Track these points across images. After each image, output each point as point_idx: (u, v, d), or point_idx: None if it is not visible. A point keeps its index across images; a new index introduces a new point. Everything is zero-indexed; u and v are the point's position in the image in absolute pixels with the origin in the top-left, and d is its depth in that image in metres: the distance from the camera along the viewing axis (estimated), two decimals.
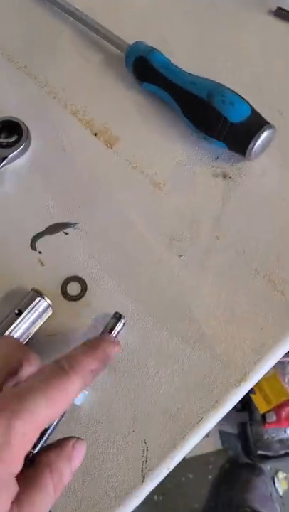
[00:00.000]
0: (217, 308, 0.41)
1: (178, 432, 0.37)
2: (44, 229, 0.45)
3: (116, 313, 0.39)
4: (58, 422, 0.34)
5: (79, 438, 0.32)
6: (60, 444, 0.31)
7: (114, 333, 0.38)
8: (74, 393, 0.29)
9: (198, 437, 0.38)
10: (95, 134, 0.48)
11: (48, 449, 0.31)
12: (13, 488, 0.27)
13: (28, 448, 0.27)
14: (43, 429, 0.27)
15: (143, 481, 0.36)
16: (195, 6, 0.53)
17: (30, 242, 0.44)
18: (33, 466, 0.29)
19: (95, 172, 0.47)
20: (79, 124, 0.49)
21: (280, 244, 0.42)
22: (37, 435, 0.27)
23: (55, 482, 0.29)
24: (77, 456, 0.31)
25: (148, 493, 0.37)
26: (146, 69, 0.47)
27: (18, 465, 0.27)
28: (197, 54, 0.51)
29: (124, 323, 0.38)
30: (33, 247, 0.44)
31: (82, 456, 0.31)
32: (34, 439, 0.27)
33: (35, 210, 0.45)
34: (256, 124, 0.42)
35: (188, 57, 0.49)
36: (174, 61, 0.47)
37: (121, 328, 0.38)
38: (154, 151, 0.47)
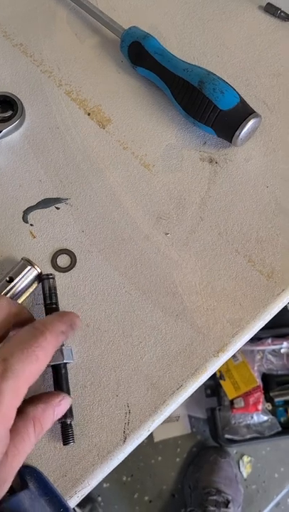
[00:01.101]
0: (199, 284, 0.43)
1: (159, 397, 0.40)
2: (36, 203, 0.46)
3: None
4: None
5: (66, 395, 0.35)
6: (49, 397, 0.34)
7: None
8: (50, 349, 0.33)
9: (178, 403, 0.40)
10: (88, 114, 0.50)
11: (37, 400, 0.33)
12: (6, 440, 0.29)
13: (19, 403, 0.30)
14: (31, 383, 0.30)
15: (124, 441, 0.39)
16: None
17: (22, 215, 0.46)
18: (21, 417, 0.32)
19: (87, 151, 0.48)
20: (73, 104, 0.50)
21: (261, 227, 0.45)
22: (25, 391, 0.30)
23: (37, 432, 0.32)
24: (61, 411, 0.35)
25: (128, 453, 0.39)
26: (140, 54, 0.48)
27: (10, 420, 0.29)
28: (189, 43, 0.53)
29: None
30: (24, 219, 0.46)
31: (64, 411, 0.36)
32: (23, 394, 0.30)
33: (27, 184, 0.47)
34: (243, 112, 0.44)
35: (180, 45, 0.51)
36: (167, 48, 0.49)
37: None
38: (145, 134, 0.49)
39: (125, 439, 0.39)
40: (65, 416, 0.38)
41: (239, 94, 0.45)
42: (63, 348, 0.39)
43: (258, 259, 0.44)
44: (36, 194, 0.47)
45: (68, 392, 0.39)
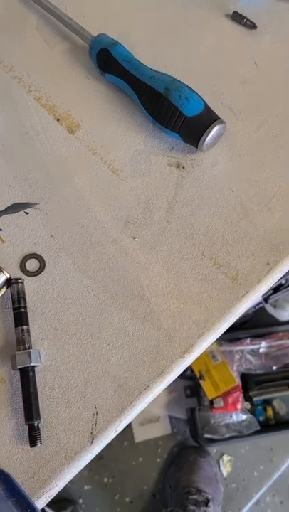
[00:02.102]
0: (166, 286, 0.44)
1: (126, 398, 0.41)
2: (5, 208, 0.47)
3: None
4: None
5: None
6: None
7: None
8: None
9: (145, 404, 0.41)
10: (58, 120, 0.50)
11: None
12: None
13: None
14: None
15: (92, 442, 0.40)
16: (158, 5, 0.56)
17: None
18: None
19: (57, 156, 0.49)
20: (42, 110, 0.51)
21: (226, 231, 0.46)
22: None
23: None
24: None
25: (96, 454, 0.40)
26: (108, 61, 0.49)
27: None
28: (157, 50, 0.54)
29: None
30: None
31: None
32: None
33: None
34: (208, 118, 0.46)
35: (149, 52, 0.52)
36: (135, 55, 0.50)
37: None
38: (114, 139, 0.50)
39: (92, 439, 0.40)
40: (31, 418, 0.38)
41: (204, 101, 0.46)
42: (31, 351, 0.40)
43: (223, 262, 0.45)
44: (5, 199, 0.47)
45: (36, 395, 0.39)
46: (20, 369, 0.40)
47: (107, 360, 0.42)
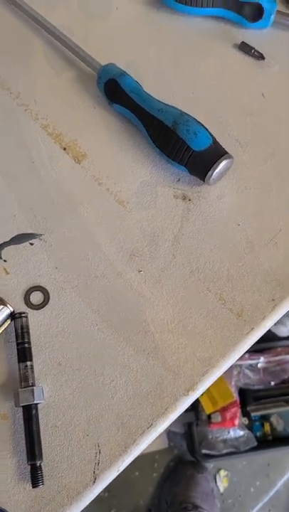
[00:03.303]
0: (171, 322, 0.44)
1: (129, 436, 0.40)
2: (10, 238, 0.46)
3: None
4: None
5: None
6: None
7: None
8: None
9: (148, 442, 0.41)
10: (64, 149, 0.50)
11: None
12: None
13: None
14: None
15: (94, 482, 0.39)
16: (166, 34, 0.56)
17: None
18: None
19: (62, 186, 0.49)
20: (49, 138, 0.51)
21: (232, 265, 0.46)
22: None
23: None
24: None
25: (97, 494, 0.40)
26: (116, 91, 0.49)
27: None
28: (164, 80, 0.54)
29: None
30: None
31: None
32: None
33: (1, 218, 0.47)
34: (216, 153, 0.45)
35: (156, 81, 0.52)
36: (142, 83, 0.50)
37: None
38: (120, 170, 0.50)
39: (95, 479, 0.39)
40: (34, 458, 0.38)
41: (212, 135, 0.46)
42: (34, 388, 0.40)
43: (228, 298, 0.45)
44: (10, 229, 0.47)
45: (39, 433, 0.39)
46: (23, 406, 0.39)
47: (111, 397, 0.42)
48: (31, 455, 0.38)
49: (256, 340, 0.44)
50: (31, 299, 0.44)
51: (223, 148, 0.46)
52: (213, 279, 0.46)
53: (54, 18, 0.54)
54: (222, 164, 0.45)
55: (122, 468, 0.40)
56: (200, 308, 0.45)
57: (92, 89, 0.53)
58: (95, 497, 0.40)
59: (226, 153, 0.46)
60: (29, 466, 0.38)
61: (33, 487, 0.38)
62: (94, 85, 0.52)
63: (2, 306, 0.41)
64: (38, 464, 0.38)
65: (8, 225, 0.47)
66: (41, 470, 0.38)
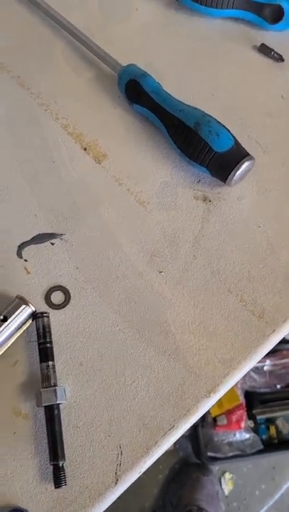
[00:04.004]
0: (192, 323, 0.44)
1: (151, 437, 0.40)
2: (31, 238, 0.46)
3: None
4: None
5: None
6: None
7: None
8: None
9: (169, 444, 0.41)
10: (85, 149, 0.50)
11: None
12: None
13: None
14: None
15: (116, 483, 0.39)
16: (185, 37, 0.56)
17: (16, 250, 0.46)
18: None
19: (83, 186, 0.49)
20: (69, 138, 0.50)
21: (252, 267, 0.46)
22: None
23: None
24: None
25: (119, 495, 0.40)
26: (137, 92, 0.49)
27: None
28: (184, 81, 0.54)
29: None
30: (19, 255, 0.46)
31: None
32: None
33: (22, 218, 0.47)
34: (238, 154, 0.45)
35: (176, 82, 0.52)
36: (163, 85, 0.50)
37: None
38: (141, 170, 0.49)
39: (117, 480, 0.39)
40: (57, 458, 0.38)
41: (234, 136, 0.46)
42: (57, 388, 0.40)
43: (249, 299, 0.45)
44: (31, 229, 0.47)
45: (61, 434, 0.39)
46: (45, 407, 0.39)
47: (132, 398, 0.41)
48: (54, 455, 0.38)
49: (277, 342, 0.44)
50: (52, 299, 0.44)
51: (245, 150, 0.46)
52: (234, 281, 0.46)
53: (74, 18, 0.54)
54: (244, 166, 0.45)
55: (143, 470, 0.40)
56: (221, 309, 0.45)
57: (112, 90, 0.53)
58: (116, 498, 0.39)
59: (248, 154, 0.46)
60: (51, 467, 0.38)
61: (56, 487, 0.37)
62: (114, 86, 0.52)
63: (24, 306, 0.41)
64: (60, 465, 0.38)
65: (29, 225, 0.47)
66: (64, 470, 0.38)
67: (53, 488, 0.38)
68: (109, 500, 0.39)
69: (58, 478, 0.37)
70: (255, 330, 0.44)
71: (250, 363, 0.43)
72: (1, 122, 0.51)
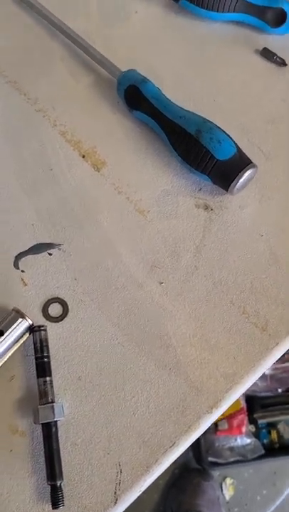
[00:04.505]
0: (193, 336, 0.43)
1: (151, 455, 0.39)
2: (28, 248, 0.45)
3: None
4: None
5: None
6: None
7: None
8: None
9: (170, 461, 0.40)
10: (83, 156, 0.49)
11: None
12: None
13: None
14: None
15: (116, 503, 0.38)
16: (186, 40, 0.55)
17: (13, 260, 0.45)
18: None
19: (81, 194, 0.48)
20: (67, 145, 0.49)
21: (255, 277, 0.45)
22: None
23: None
24: None
25: None
26: (137, 98, 0.48)
27: None
28: (185, 86, 0.52)
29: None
30: (16, 265, 0.45)
31: None
32: None
33: (19, 228, 0.46)
34: (241, 162, 0.44)
35: (177, 87, 0.51)
36: (163, 90, 0.49)
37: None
38: (140, 178, 0.48)
39: (116, 500, 0.38)
40: (54, 478, 0.36)
41: (236, 144, 0.45)
42: (54, 405, 0.38)
43: (252, 311, 0.44)
44: (28, 239, 0.46)
45: (59, 452, 0.38)
46: (42, 424, 0.38)
47: (132, 414, 0.40)
48: (51, 475, 0.37)
49: (281, 355, 0.43)
50: (49, 311, 0.43)
51: (248, 157, 0.45)
52: (236, 292, 0.44)
53: (72, 23, 0.53)
54: (247, 174, 0.44)
55: (143, 489, 0.39)
56: (223, 321, 0.43)
57: (111, 96, 0.51)
58: None
59: (251, 162, 0.44)
60: (49, 486, 0.37)
61: (53, 508, 0.36)
62: (113, 91, 0.51)
63: (21, 319, 0.40)
64: (58, 485, 0.37)
65: (27, 235, 0.46)
66: (62, 490, 0.37)
67: (51, 508, 0.37)
68: None
69: (56, 498, 0.36)
70: (258, 343, 0.43)
71: (253, 377, 0.42)
72: None
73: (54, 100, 0.51)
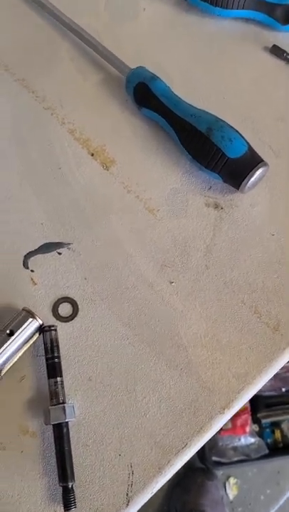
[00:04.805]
0: (205, 336, 0.42)
1: (163, 456, 0.39)
2: (37, 247, 0.45)
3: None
4: None
5: None
6: None
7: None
8: None
9: (182, 462, 0.39)
10: (92, 155, 0.48)
11: None
12: None
13: None
14: None
15: (128, 505, 0.37)
16: (194, 38, 0.54)
17: (22, 260, 0.44)
18: None
19: (91, 193, 0.47)
20: (76, 143, 0.49)
21: (267, 277, 0.44)
22: None
23: None
24: None
25: None
26: (146, 95, 0.47)
27: None
28: (194, 83, 0.52)
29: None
30: (25, 265, 0.44)
31: None
32: None
33: (28, 227, 0.45)
34: (252, 161, 0.44)
35: (186, 85, 0.50)
36: (172, 88, 0.48)
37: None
38: (150, 177, 0.48)
39: (128, 502, 0.38)
40: (66, 479, 0.36)
41: (247, 142, 0.44)
42: (65, 405, 0.38)
43: (264, 311, 0.43)
44: (37, 238, 0.45)
45: (70, 453, 0.37)
46: (53, 425, 0.38)
47: (144, 415, 0.40)
48: (63, 476, 0.36)
49: None
50: (60, 311, 0.43)
51: (259, 156, 0.44)
52: (247, 291, 0.44)
53: (80, 20, 0.52)
54: (258, 172, 0.44)
55: (155, 490, 0.38)
56: (234, 321, 0.43)
57: (119, 93, 0.51)
58: None
59: (262, 160, 0.44)
60: (60, 488, 0.37)
61: (65, 510, 0.36)
62: (122, 89, 0.50)
63: (31, 319, 0.40)
64: (70, 486, 0.36)
65: (36, 234, 0.45)
66: (73, 492, 0.36)
67: (62, 510, 0.36)
68: None
69: (68, 500, 0.36)
70: (270, 343, 0.42)
71: (265, 377, 0.42)
72: (5, 127, 0.49)
73: (62, 98, 0.51)
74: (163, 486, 1.12)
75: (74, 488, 0.37)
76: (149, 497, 0.38)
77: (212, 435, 0.40)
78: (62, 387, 0.39)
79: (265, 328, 0.43)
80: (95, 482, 0.38)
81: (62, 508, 0.36)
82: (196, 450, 0.40)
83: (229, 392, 0.41)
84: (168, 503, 1.24)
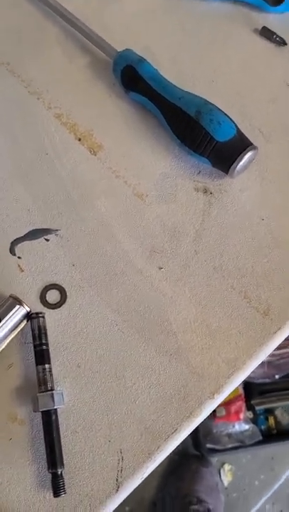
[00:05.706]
0: (194, 322, 0.42)
1: (153, 442, 0.39)
2: (24, 234, 0.44)
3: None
4: None
5: None
6: None
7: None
8: None
9: (172, 447, 0.39)
10: (79, 140, 0.48)
11: None
12: None
13: None
14: None
15: (117, 490, 0.37)
16: (182, 21, 0.54)
17: (9, 246, 0.44)
18: None
19: (78, 178, 0.46)
20: (63, 128, 0.48)
21: (256, 262, 0.44)
22: None
23: None
24: None
25: (120, 502, 0.38)
26: (134, 78, 0.47)
27: None
28: (183, 67, 0.51)
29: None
30: (12, 251, 0.44)
31: None
32: None
33: (15, 213, 0.45)
34: (241, 144, 0.43)
35: (175, 68, 0.50)
36: (161, 71, 0.47)
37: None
38: (138, 162, 0.47)
39: (118, 487, 0.37)
40: (55, 466, 0.36)
41: (236, 125, 0.44)
42: (54, 392, 0.38)
43: (253, 296, 0.43)
44: (24, 224, 0.44)
45: (59, 440, 0.37)
46: (42, 412, 0.37)
47: (133, 401, 0.40)
48: (52, 463, 0.36)
49: (283, 339, 0.43)
50: (47, 298, 0.42)
51: (248, 139, 0.44)
52: (237, 276, 0.44)
53: (68, 4, 0.51)
54: (247, 156, 0.43)
55: (145, 476, 0.38)
56: (224, 306, 0.43)
57: (106, 77, 0.50)
58: (116, 506, 0.38)
59: (251, 144, 0.43)
60: (49, 474, 0.37)
61: (55, 496, 0.36)
62: (109, 72, 0.49)
63: (18, 306, 0.39)
64: (59, 472, 0.36)
65: (23, 220, 0.44)
66: (63, 478, 0.36)
67: (52, 496, 0.36)
68: (111, 508, 0.37)
69: (57, 486, 0.36)
70: (260, 328, 0.42)
71: (255, 362, 0.41)
72: None
73: (48, 82, 0.50)
74: (158, 473, 1.13)
75: (63, 475, 0.37)
76: (139, 482, 0.38)
77: (202, 420, 0.40)
78: (51, 374, 0.39)
79: (254, 313, 0.42)
80: (84, 468, 0.38)
81: (51, 494, 0.36)
82: (186, 435, 0.40)
83: (219, 377, 0.41)
84: (162, 489, 1.25)
